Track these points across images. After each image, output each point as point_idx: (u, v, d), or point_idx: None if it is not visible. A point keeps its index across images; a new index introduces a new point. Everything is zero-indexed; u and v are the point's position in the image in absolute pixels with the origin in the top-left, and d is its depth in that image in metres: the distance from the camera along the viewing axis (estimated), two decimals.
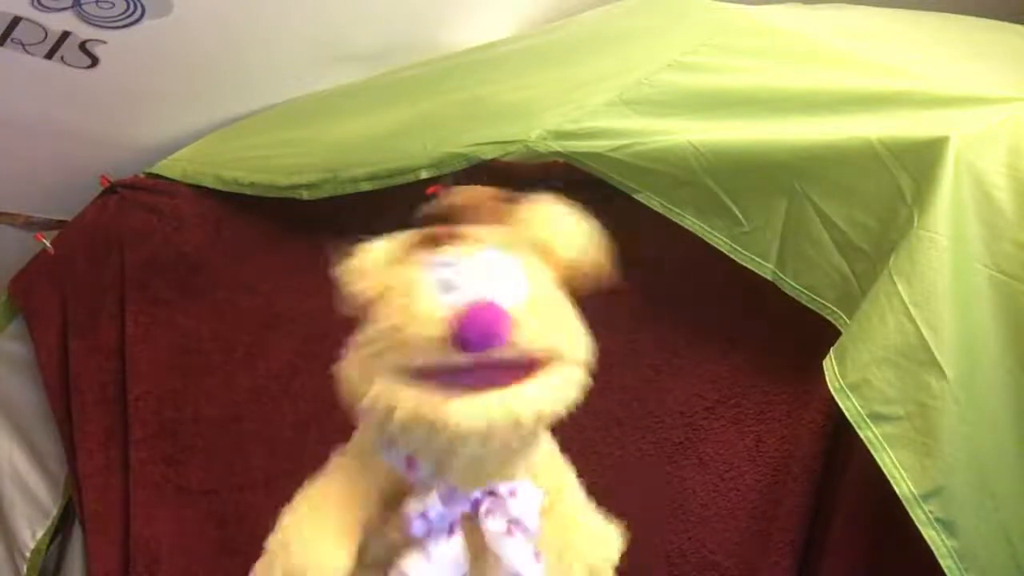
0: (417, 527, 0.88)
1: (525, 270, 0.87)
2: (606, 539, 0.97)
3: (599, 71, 1.23)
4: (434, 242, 0.88)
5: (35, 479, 1.73)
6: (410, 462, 0.91)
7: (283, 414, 1.46)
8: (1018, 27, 1.37)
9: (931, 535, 0.89)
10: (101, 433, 1.59)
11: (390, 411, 0.83)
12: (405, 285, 0.86)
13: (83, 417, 1.61)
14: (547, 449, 0.98)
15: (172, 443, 1.53)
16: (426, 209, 0.95)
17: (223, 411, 1.51)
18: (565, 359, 0.86)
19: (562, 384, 0.86)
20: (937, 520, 0.89)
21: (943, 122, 0.96)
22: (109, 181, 1.60)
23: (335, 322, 1.45)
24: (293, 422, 1.46)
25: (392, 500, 0.94)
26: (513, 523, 0.89)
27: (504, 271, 0.86)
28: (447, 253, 0.86)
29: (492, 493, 0.90)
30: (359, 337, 0.90)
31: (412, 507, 0.89)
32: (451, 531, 0.89)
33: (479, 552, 0.91)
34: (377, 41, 1.57)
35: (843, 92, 1.04)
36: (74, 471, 1.63)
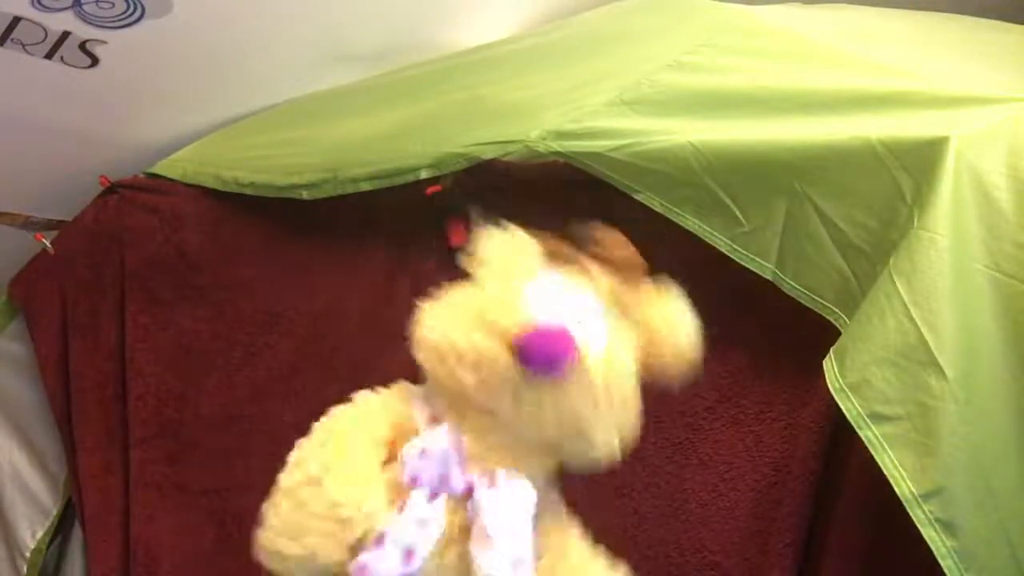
0: (409, 464, 0.88)
1: (615, 331, 0.89)
2: None
3: (599, 71, 1.23)
4: (562, 259, 0.91)
5: (35, 479, 1.73)
6: (433, 419, 0.92)
7: (283, 414, 1.46)
8: (1018, 27, 1.37)
9: (931, 535, 0.89)
10: (101, 433, 1.59)
11: (441, 354, 0.85)
12: (514, 283, 0.88)
13: (83, 417, 1.61)
14: (554, 508, 0.99)
15: (172, 443, 1.53)
16: (589, 232, 0.97)
17: (223, 411, 1.51)
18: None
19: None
20: (937, 520, 0.89)
21: (943, 122, 0.96)
22: (109, 181, 1.60)
23: (335, 322, 1.45)
24: (293, 422, 1.45)
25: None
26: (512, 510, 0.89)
27: (593, 317, 0.88)
28: (560, 273, 0.89)
29: (488, 476, 0.90)
30: (459, 292, 0.91)
31: (414, 442, 0.89)
32: (434, 496, 0.88)
33: (452, 537, 0.90)
34: (377, 41, 1.57)
35: (843, 92, 1.04)
36: (74, 471, 1.63)
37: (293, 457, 0.92)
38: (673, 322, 0.93)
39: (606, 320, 0.88)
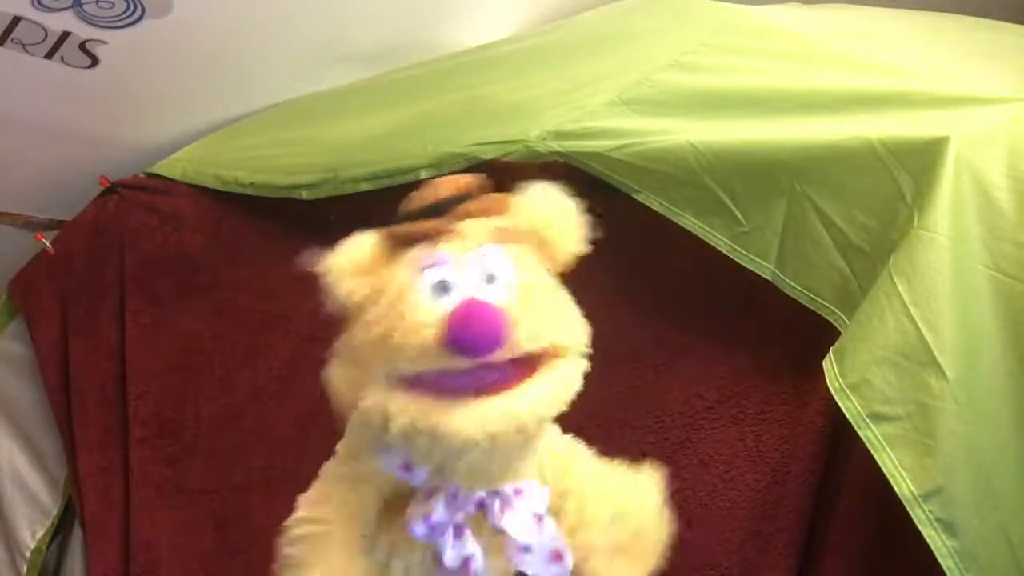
0: (419, 532, 0.86)
1: (520, 264, 0.84)
2: (630, 490, 0.94)
3: (599, 71, 1.23)
4: (424, 239, 0.84)
5: (35, 479, 1.73)
6: (405, 466, 0.88)
7: (283, 414, 1.46)
8: (1018, 27, 1.37)
9: (931, 535, 0.89)
10: (101, 433, 1.59)
11: (385, 422, 0.80)
12: (396, 288, 0.82)
13: (83, 417, 1.61)
14: (549, 437, 0.95)
15: (172, 443, 1.53)
16: (411, 203, 0.91)
17: (223, 411, 1.51)
18: (566, 352, 0.84)
19: (564, 379, 0.83)
20: (937, 520, 0.89)
21: (943, 122, 0.96)
22: (109, 181, 1.60)
23: (335, 322, 1.44)
24: (293, 422, 1.46)
25: (392, 501, 0.92)
26: (535, 517, 0.87)
27: (499, 268, 0.82)
28: (439, 251, 0.83)
29: (496, 493, 0.87)
30: (347, 340, 0.87)
31: (414, 512, 0.87)
32: (459, 532, 0.87)
33: (491, 551, 0.89)
34: (377, 41, 1.57)
35: (843, 92, 1.04)
36: (74, 471, 1.63)
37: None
38: (551, 216, 0.87)
39: (505, 264, 0.83)
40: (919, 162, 0.95)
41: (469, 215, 0.87)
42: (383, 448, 0.88)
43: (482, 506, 0.88)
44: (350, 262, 0.86)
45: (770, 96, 1.08)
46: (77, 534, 1.72)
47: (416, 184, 1.25)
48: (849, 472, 1.02)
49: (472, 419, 0.78)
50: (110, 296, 1.59)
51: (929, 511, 0.89)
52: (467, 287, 0.80)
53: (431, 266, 0.82)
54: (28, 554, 1.71)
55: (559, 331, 0.84)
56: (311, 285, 1.50)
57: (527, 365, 0.81)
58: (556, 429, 0.96)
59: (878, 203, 0.98)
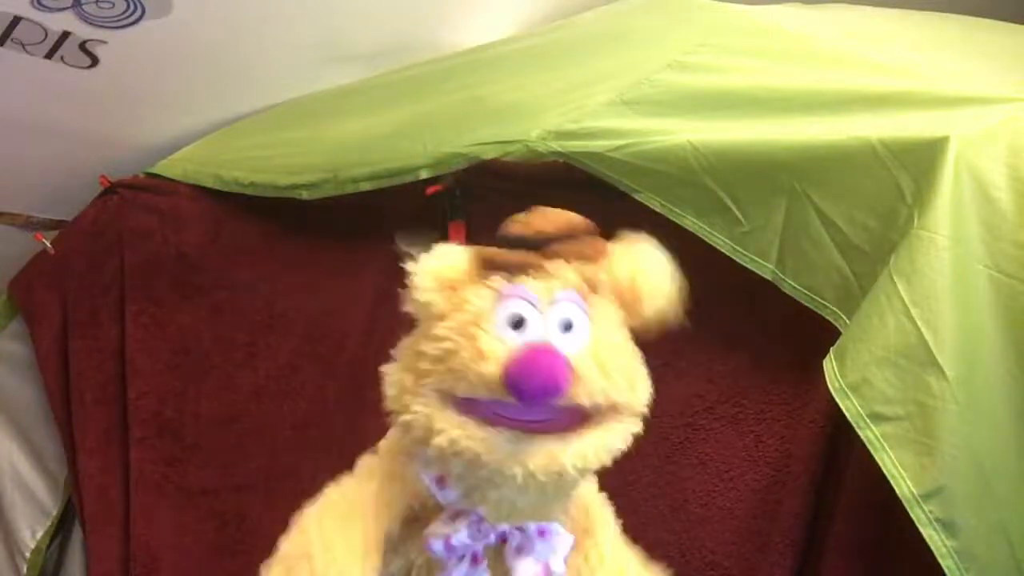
0: (437, 550, 0.85)
1: (598, 318, 0.83)
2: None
3: (599, 71, 1.23)
4: (516, 270, 0.84)
5: (35, 479, 1.73)
6: (440, 481, 0.87)
7: (283, 414, 1.46)
8: (1018, 27, 1.37)
9: (931, 535, 0.89)
10: (101, 433, 1.59)
11: (429, 435, 0.80)
12: (473, 310, 0.81)
13: (83, 417, 1.61)
14: (586, 491, 0.95)
15: (172, 443, 1.53)
16: (513, 226, 0.89)
17: (223, 411, 1.51)
18: (623, 412, 0.84)
19: (615, 437, 0.83)
20: (937, 520, 0.89)
21: (943, 122, 0.96)
22: (109, 181, 1.60)
23: (335, 322, 1.45)
24: (293, 422, 1.46)
25: (417, 514, 0.90)
26: (545, 567, 0.86)
27: (577, 318, 0.82)
28: (525, 286, 0.82)
29: (520, 529, 0.87)
30: (415, 344, 0.85)
31: (436, 530, 0.85)
32: (475, 560, 0.86)
33: None
34: (377, 41, 1.57)
35: (843, 92, 1.04)
36: (74, 471, 1.63)
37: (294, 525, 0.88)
38: (643, 273, 0.87)
39: (583, 315, 0.83)
40: (919, 162, 0.95)
41: (564, 256, 0.86)
42: (423, 458, 0.87)
43: (503, 539, 0.87)
44: (439, 270, 0.85)
45: (770, 96, 1.08)
46: (77, 534, 1.72)
47: (416, 184, 1.26)
48: (849, 472, 1.02)
49: (514, 454, 0.78)
50: (110, 296, 1.59)
51: (929, 511, 0.89)
52: (542, 329, 0.80)
53: (512, 298, 0.81)
54: (28, 554, 1.71)
55: (621, 390, 0.83)
56: (311, 285, 1.50)
57: (582, 414, 0.81)
58: (594, 485, 0.97)
59: (878, 203, 0.98)
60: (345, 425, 1.41)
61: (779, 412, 1.12)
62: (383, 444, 0.95)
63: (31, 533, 1.72)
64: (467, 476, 0.83)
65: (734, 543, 1.13)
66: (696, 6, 1.29)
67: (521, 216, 0.90)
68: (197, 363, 1.53)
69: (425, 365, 0.82)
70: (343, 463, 1.40)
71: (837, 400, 0.94)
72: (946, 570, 0.88)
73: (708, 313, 1.17)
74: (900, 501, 0.89)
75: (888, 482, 0.90)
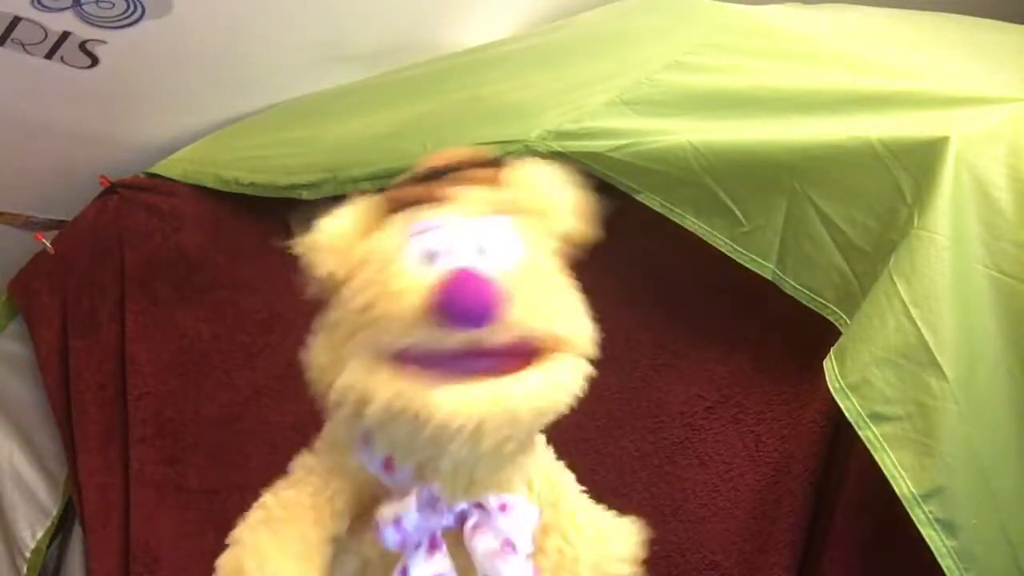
0: (389, 537, 0.77)
1: (521, 237, 0.77)
2: (613, 537, 0.89)
3: (599, 71, 1.23)
4: (414, 204, 0.77)
5: (35, 479, 1.73)
6: (388, 464, 0.80)
7: (283, 414, 1.46)
8: (1018, 27, 1.37)
9: (931, 535, 0.89)
10: (101, 433, 1.59)
11: (363, 401, 0.72)
12: (380, 256, 0.75)
13: (83, 417, 1.61)
14: (543, 456, 0.89)
15: (172, 443, 1.53)
16: (403, 176, 0.84)
17: (223, 411, 1.51)
18: (569, 347, 0.77)
19: (564, 375, 0.76)
20: (937, 520, 0.89)
21: (943, 122, 0.96)
22: (109, 181, 1.60)
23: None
24: (293, 422, 1.46)
25: (368, 508, 0.83)
26: (505, 542, 0.78)
27: (497, 237, 0.75)
28: (429, 217, 0.75)
29: (480, 506, 0.80)
30: (327, 318, 0.79)
31: (384, 513, 0.78)
32: (433, 546, 0.78)
33: (466, 574, 0.80)
34: (377, 41, 1.57)
35: (843, 92, 1.04)
36: (74, 471, 1.63)
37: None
38: (544, 186, 0.80)
39: (504, 234, 0.76)
40: (919, 162, 0.95)
41: (463, 183, 0.79)
42: (363, 440, 0.81)
43: (463, 520, 0.80)
44: (330, 237, 0.79)
45: (770, 96, 1.08)
46: (77, 534, 1.72)
47: None
48: (849, 472, 1.02)
49: (460, 401, 0.70)
50: (110, 296, 1.59)
51: (929, 511, 0.89)
52: (459, 257, 0.73)
53: (420, 233, 0.75)
54: (28, 554, 1.71)
55: (561, 321, 0.77)
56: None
57: (523, 355, 0.74)
58: (550, 451, 0.91)
59: (878, 203, 0.98)
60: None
61: (779, 412, 1.12)
62: (320, 440, 0.87)
63: (31, 533, 1.72)
64: (413, 443, 0.74)
65: (734, 543, 1.13)
66: (696, 6, 1.29)
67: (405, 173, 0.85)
68: (197, 363, 1.53)
69: (344, 329, 0.75)
70: None
71: (837, 400, 0.94)
72: (946, 570, 0.88)
73: (708, 313, 1.18)
74: (900, 501, 0.90)
75: (888, 482, 0.90)
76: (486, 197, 0.78)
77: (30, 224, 1.75)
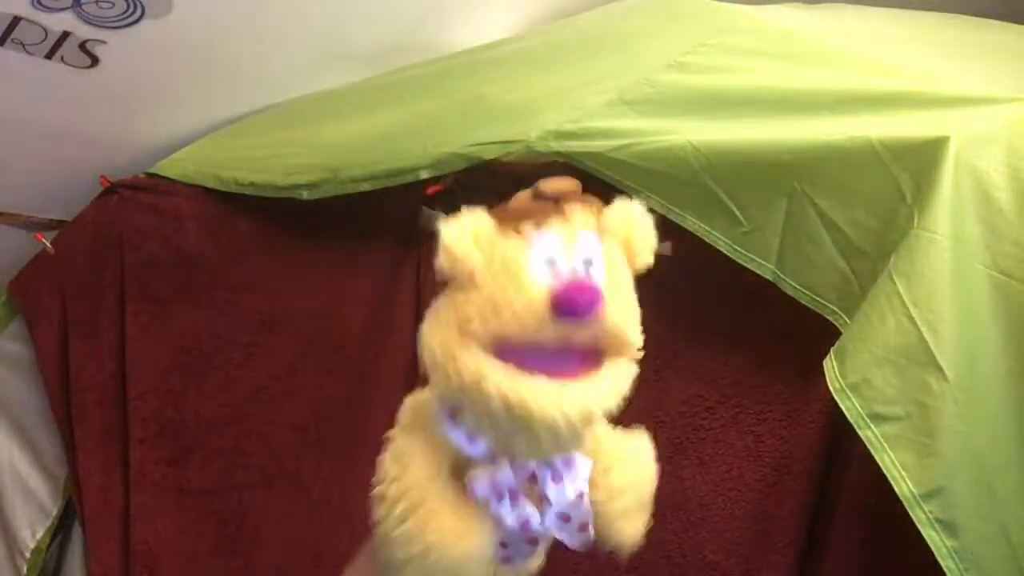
0: (481, 491, 0.88)
1: (611, 260, 0.89)
2: (636, 452, 0.97)
3: (599, 71, 1.23)
4: (542, 217, 0.89)
5: (35, 479, 1.73)
6: (471, 437, 0.91)
7: (283, 414, 1.46)
8: (1018, 27, 1.37)
9: (931, 535, 0.89)
10: (101, 433, 1.59)
11: (477, 386, 0.83)
12: (508, 257, 0.86)
13: (83, 417, 1.61)
14: None
15: (172, 443, 1.53)
16: (538, 188, 0.94)
17: (223, 411, 1.51)
18: (629, 351, 0.89)
19: (624, 376, 0.88)
20: (937, 520, 0.89)
21: (943, 122, 0.96)
22: (109, 181, 1.60)
23: (335, 322, 1.45)
24: (293, 422, 1.46)
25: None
26: (579, 492, 0.90)
27: (597, 256, 0.87)
28: (548, 231, 0.87)
29: (548, 465, 0.91)
30: (453, 302, 0.88)
31: (478, 473, 0.89)
32: (515, 498, 0.89)
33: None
34: (377, 41, 1.57)
35: (843, 92, 1.04)
36: (74, 471, 1.63)
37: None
38: (637, 228, 0.92)
39: (600, 254, 0.89)
40: (919, 162, 0.95)
41: (573, 204, 0.91)
42: (450, 417, 0.91)
43: (533, 477, 0.90)
44: (471, 229, 0.89)
45: (770, 96, 1.08)
46: (77, 534, 1.72)
47: (416, 184, 1.26)
48: (849, 472, 1.02)
49: (556, 401, 0.82)
50: (110, 296, 1.59)
51: (929, 511, 0.89)
52: (570, 266, 0.85)
53: (542, 241, 0.87)
54: (28, 554, 1.71)
55: (630, 327, 0.89)
56: (311, 285, 1.50)
57: (593, 358, 0.85)
58: None
59: (878, 203, 0.98)
60: (345, 425, 1.41)
61: (779, 412, 1.12)
62: (405, 422, 0.95)
63: (31, 533, 1.72)
64: (505, 427, 0.86)
65: (734, 543, 1.13)
66: (696, 6, 1.29)
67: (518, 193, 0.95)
68: (197, 363, 1.53)
69: (469, 315, 0.86)
70: (343, 463, 1.40)
71: (837, 400, 0.94)
72: (946, 570, 0.89)
73: (708, 313, 1.18)
74: (900, 501, 0.90)
75: (888, 482, 0.90)
76: (591, 221, 0.90)
77: (30, 224, 1.74)
